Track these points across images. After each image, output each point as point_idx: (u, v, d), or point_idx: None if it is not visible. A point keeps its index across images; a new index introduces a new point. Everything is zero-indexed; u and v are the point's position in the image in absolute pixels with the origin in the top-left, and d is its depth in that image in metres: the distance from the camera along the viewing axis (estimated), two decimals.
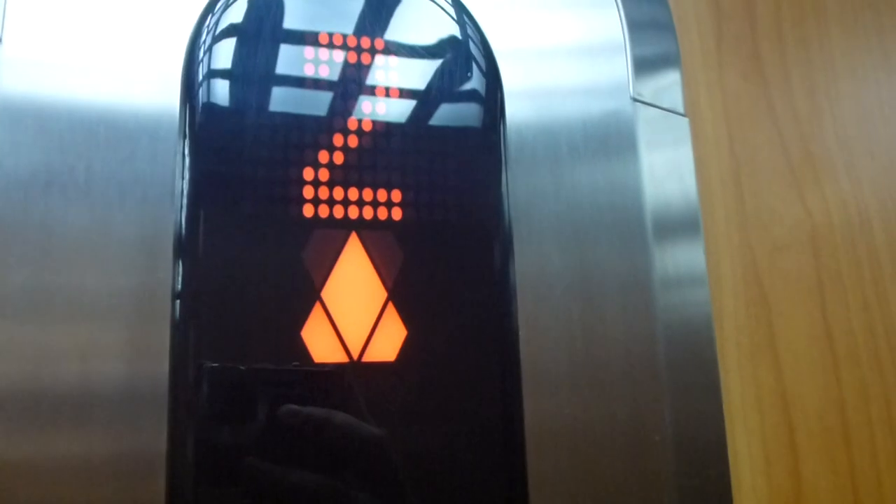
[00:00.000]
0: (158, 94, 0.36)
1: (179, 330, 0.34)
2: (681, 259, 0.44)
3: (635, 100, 0.45)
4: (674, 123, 0.47)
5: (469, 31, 0.42)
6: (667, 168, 0.45)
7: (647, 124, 0.45)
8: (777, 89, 0.54)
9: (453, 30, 0.41)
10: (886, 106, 0.58)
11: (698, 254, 0.45)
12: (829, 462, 0.49)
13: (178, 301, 0.34)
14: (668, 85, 0.47)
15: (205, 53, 0.38)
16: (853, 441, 0.50)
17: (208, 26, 0.39)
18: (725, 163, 0.51)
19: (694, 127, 0.50)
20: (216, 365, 0.34)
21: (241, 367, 0.34)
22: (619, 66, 0.45)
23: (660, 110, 0.46)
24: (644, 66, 0.46)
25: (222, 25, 0.39)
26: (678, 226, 0.44)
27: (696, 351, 0.43)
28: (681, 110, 0.47)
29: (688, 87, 0.51)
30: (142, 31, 0.37)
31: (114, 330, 0.33)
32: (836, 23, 0.58)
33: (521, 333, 0.38)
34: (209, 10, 0.39)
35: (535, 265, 0.40)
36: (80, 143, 0.35)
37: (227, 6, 0.39)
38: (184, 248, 0.34)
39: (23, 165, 0.34)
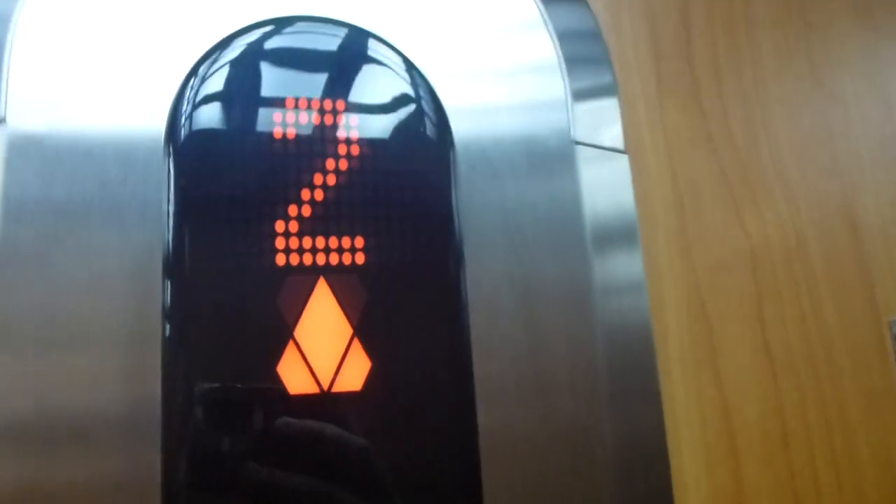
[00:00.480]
0: (149, 125, 0.41)
1: (170, 351, 0.38)
2: (619, 270, 0.49)
3: (576, 142, 0.49)
4: (614, 160, 0.51)
5: (420, 91, 0.46)
6: (606, 196, 0.50)
7: (588, 163, 0.49)
8: (715, 121, 0.59)
9: (406, 90, 0.46)
10: (819, 131, 0.63)
11: (636, 265, 0.50)
12: (770, 464, 0.54)
13: (167, 336, 0.39)
14: (607, 125, 0.52)
15: (187, 113, 0.43)
16: (791, 444, 0.55)
17: (192, 86, 0.44)
18: (668, 191, 0.56)
19: (637, 161, 0.55)
20: (208, 385, 0.39)
21: (232, 385, 0.39)
22: (561, 114, 0.50)
23: (600, 150, 0.51)
24: (584, 111, 0.51)
25: (203, 89, 0.43)
26: (616, 240, 0.49)
27: (636, 357, 0.48)
28: (621, 147, 0.52)
29: (631, 125, 0.56)
30: (134, 75, 0.42)
31: (113, 355, 0.38)
32: (770, 55, 0.63)
33: (472, 353, 0.43)
34: (193, 72, 0.44)
35: (484, 291, 0.44)
36: (78, 173, 0.40)
37: (208, 72, 0.44)
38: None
39: (28, 196, 0.38)
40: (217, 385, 0.39)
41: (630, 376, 0.48)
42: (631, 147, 0.55)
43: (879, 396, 0.58)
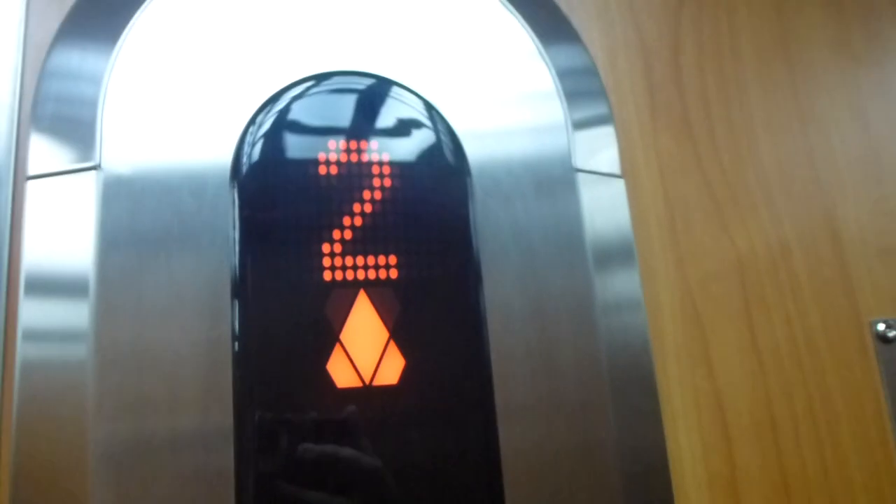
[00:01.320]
0: (217, 163, 0.50)
1: (239, 358, 0.46)
2: (618, 282, 0.56)
3: (577, 169, 0.57)
4: (611, 184, 0.59)
5: (439, 128, 0.55)
6: (605, 216, 0.57)
7: (588, 187, 0.57)
8: (703, 145, 0.67)
9: (427, 128, 0.54)
10: (801, 152, 0.70)
11: (634, 277, 0.57)
12: (760, 450, 0.60)
13: (236, 341, 0.47)
14: (604, 150, 0.59)
15: (248, 153, 0.51)
16: (780, 432, 0.61)
17: (252, 132, 0.52)
18: (661, 210, 0.63)
19: (633, 183, 0.63)
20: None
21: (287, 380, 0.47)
22: (562, 143, 0.57)
23: (598, 175, 0.58)
24: (583, 140, 0.58)
25: (261, 133, 0.52)
26: (615, 256, 0.57)
27: (635, 358, 0.55)
28: (617, 172, 0.60)
29: (627, 150, 0.63)
30: (204, 122, 0.51)
31: (194, 377, 0.46)
32: (755, 85, 0.71)
33: (490, 350, 0.51)
34: (252, 121, 0.52)
35: (500, 300, 0.52)
36: (158, 206, 0.48)
37: (264, 119, 0.52)
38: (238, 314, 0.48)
39: (119, 228, 0.47)
40: (277, 379, 0.47)
41: (631, 379, 0.55)
42: (627, 170, 0.62)
43: (861, 389, 0.64)
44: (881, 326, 0.66)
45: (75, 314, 0.46)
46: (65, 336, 0.46)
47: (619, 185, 0.59)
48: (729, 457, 0.59)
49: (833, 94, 0.74)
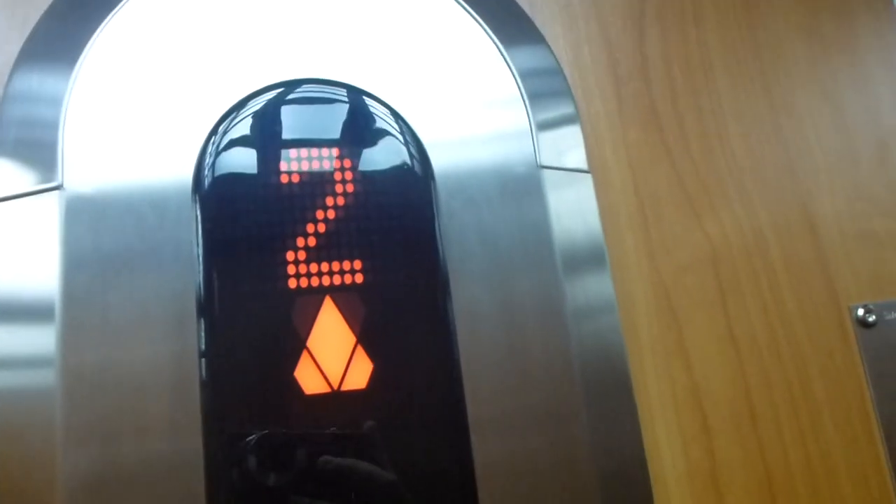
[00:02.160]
0: (179, 177, 0.50)
1: (207, 364, 0.47)
2: (588, 279, 0.56)
3: (542, 166, 0.57)
4: (579, 179, 0.59)
5: (404, 134, 0.55)
6: (572, 214, 0.57)
7: (554, 184, 0.57)
8: (672, 136, 0.66)
9: (391, 134, 0.54)
10: (773, 140, 0.70)
11: (604, 273, 0.57)
12: (740, 441, 0.60)
13: (203, 357, 0.47)
14: (570, 149, 0.59)
15: (209, 165, 0.51)
16: (759, 422, 0.61)
17: (213, 142, 0.52)
18: (631, 203, 0.63)
19: (602, 178, 0.63)
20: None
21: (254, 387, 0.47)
22: (527, 144, 0.57)
23: (565, 171, 0.58)
24: (548, 138, 0.58)
25: (223, 144, 0.52)
26: (583, 253, 0.57)
27: (608, 355, 0.55)
28: (584, 167, 0.60)
29: (595, 145, 0.63)
30: (164, 135, 0.51)
31: (162, 397, 0.46)
32: (723, 73, 0.70)
33: (459, 351, 0.51)
34: (214, 130, 0.53)
35: (467, 301, 0.52)
36: (121, 224, 0.49)
37: (227, 129, 0.53)
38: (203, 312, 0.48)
39: (83, 248, 0.48)
40: (246, 386, 0.47)
41: (605, 378, 0.55)
42: (595, 165, 0.62)
43: (842, 376, 0.64)
44: (861, 311, 0.66)
45: (42, 339, 0.46)
46: (31, 362, 0.46)
47: (587, 181, 0.59)
48: (709, 450, 0.59)
49: (804, 79, 0.74)
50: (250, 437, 0.46)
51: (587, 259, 0.57)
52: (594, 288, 0.57)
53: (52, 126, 0.51)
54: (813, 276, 0.67)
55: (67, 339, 0.46)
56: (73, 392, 0.46)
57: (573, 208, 0.57)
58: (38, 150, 0.50)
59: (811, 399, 0.63)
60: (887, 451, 0.63)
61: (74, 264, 0.48)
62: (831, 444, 0.62)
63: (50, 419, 0.45)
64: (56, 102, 0.51)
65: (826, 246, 0.68)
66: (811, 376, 0.63)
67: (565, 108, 0.61)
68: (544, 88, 0.60)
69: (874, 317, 0.66)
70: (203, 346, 0.47)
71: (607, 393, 0.54)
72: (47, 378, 0.46)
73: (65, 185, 0.49)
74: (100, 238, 0.49)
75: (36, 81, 0.52)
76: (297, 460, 0.46)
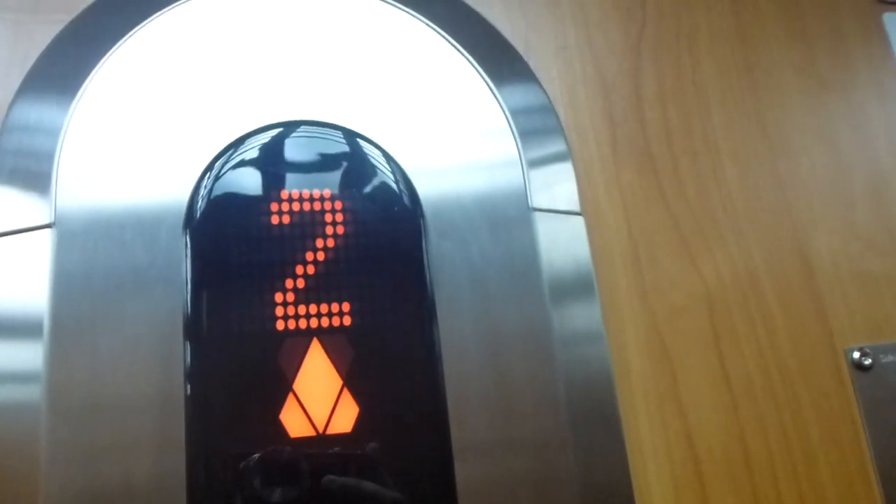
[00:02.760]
0: (171, 210, 0.51)
1: (191, 405, 0.47)
2: (577, 319, 0.56)
3: (533, 208, 0.57)
4: (570, 221, 0.59)
5: (394, 174, 0.55)
6: (563, 254, 0.57)
7: (545, 225, 0.57)
8: (667, 179, 0.66)
9: (382, 174, 0.55)
10: (769, 180, 0.70)
11: (595, 314, 0.56)
12: (734, 488, 0.59)
13: (188, 391, 0.47)
14: (562, 190, 0.60)
15: (202, 201, 0.52)
16: (755, 468, 0.60)
17: (208, 179, 0.53)
18: (625, 244, 0.63)
19: (595, 219, 0.63)
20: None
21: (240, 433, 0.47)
22: (517, 183, 0.58)
23: (556, 213, 0.58)
24: (540, 178, 0.59)
25: (217, 181, 0.52)
26: (573, 293, 0.56)
27: (597, 396, 0.55)
28: (576, 209, 0.60)
29: (588, 186, 0.64)
30: (159, 172, 0.52)
31: (147, 424, 0.46)
32: (719, 114, 0.71)
33: (447, 396, 0.50)
34: (209, 167, 0.53)
35: (455, 343, 0.52)
36: (112, 258, 0.49)
37: (222, 167, 0.53)
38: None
39: (73, 283, 0.48)
40: (230, 428, 0.47)
41: (592, 416, 0.54)
42: (588, 206, 0.62)
43: (838, 420, 0.63)
44: (857, 354, 0.65)
45: (29, 357, 0.47)
46: (18, 378, 0.46)
47: (578, 222, 0.59)
48: (702, 496, 0.58)
49: (801, 119, 0.74)
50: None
51: (577, 297, 0.57)
52: (583, 325, 0.56)
53: (48, 157, 0.51)
54: (808, 318, 0.66)
55: (54, 361, 0.47)
56: (58, 413, 0.46)
57: (564, 249, 0.57)
58: (33, 183, 0.51)
59: (806, 442, 0.62)
60: (883, 495, 0.62)
61: (64, 294, 0.48)
62: (826, 488, 0.61)
63: (34, 440, 0.45)
64: (53, 134, 0.52)
65: (822, 287, 0.68)
66: (806, 420, 0.63)
67: (557, 146, 0.61)
68: (535, 126, 0.61)
69: (870, 360, 0.65)
70: (188, 385, 0.47)
71: (595, 429, 0.54)
72: (33, 396, 0.46)
73: (57, 223, 0.49)
74: (91, 270, 0.49)
75: (34, 114, 0.53)
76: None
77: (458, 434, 0.50)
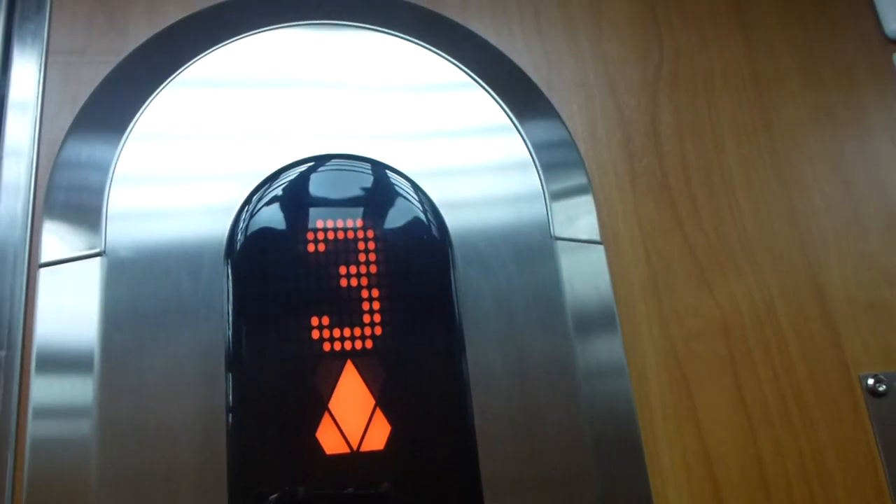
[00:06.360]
0: (212, 242, 0.54)
1: (233, 425, 0.49)
2: (599, 345, 0.58)
3: (556, 238, 0.60)
4: (591, 250, 0.62)
5: (423, 204, 0.58)
6: (585, 282, 0.59)
7: (567, 254, 0.60)
8: (684, 210, 0.69)
9: (412, 205, 0.58)
10: (783, 212, 0.72)
11: (616, 340, 0.59)
12: None
13: (230, 413, 0.50)
14: (583, 220, 0.62)
15: (242, 233, 0.55)
16: (772, 490, 0.61)
17: (247, 212, 0.56)
18: (643, 272, 0.66)
19: (615, 248, 0.65)
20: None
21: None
22: (540, 213, 0.60)
23: (578, 242, 0.61)
24: (562, 209, 0.61)
25: (255, 214, 0.56)
26: (595, 319, 0.59)
27: (618, 420, 0.57)
28: (597, 238, 0.62)
29: (608, 217, 0.66)
30: (202, 205, 0.55)
31: (190, 449, 0.49)
32: (733, 150, 0.73)
33: (474, 415, 0.53)
34: (247, 201, 0.56)
35: (482, 366, 0.54)
36: (158, 286, 0.52)
37: (260, 200, 0.56)
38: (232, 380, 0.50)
39: (122, 310, 0.51)
40: (270, 447, 0.49)
41: (616, 447, 0.56)
42: (608, 235, 0.65)
43: (853, 445, 0.65)
44: (871, 381, 0.67)
45: (81, 391, 0.49)
46: (70, 412, 0.49)
47: (599, 251, 0.62)
48: None
49: (813, 153, 0.76)
50: (272, 497, 0.48)
51: (599, 324, 0.59)
52: (605, 352, 0.59)
53: (99, 191, 0.55)
54: (823, 345, 0.68)
55: (104, 392, 0.49)
56: (107, 442, 0.48)
57: (586, 276, 0.60)
58: (85, 215, 0.54)
59: (822, 467, 0.63)
60: None
61: (113, 322, 0.51)
62: None
63: (85, 468, 0.48)
64: (103, 169, 0.55)
65: (836, 316, 0.69)
66: (822, 444, 0.64)
67: (578, 179, 0.64)
68: (557, 159, 0.64)
69: (884, 386, 0.67)
70: (230, 404, 0.50)
71: (618, 455, 0.56)
72: (84, 428, 0.48)
73: (107, 251, 0.53)
74: (137, 299, 0.52)
75: (86, 151, 0.57)
76: None
77: (485, 452, 0.52)
